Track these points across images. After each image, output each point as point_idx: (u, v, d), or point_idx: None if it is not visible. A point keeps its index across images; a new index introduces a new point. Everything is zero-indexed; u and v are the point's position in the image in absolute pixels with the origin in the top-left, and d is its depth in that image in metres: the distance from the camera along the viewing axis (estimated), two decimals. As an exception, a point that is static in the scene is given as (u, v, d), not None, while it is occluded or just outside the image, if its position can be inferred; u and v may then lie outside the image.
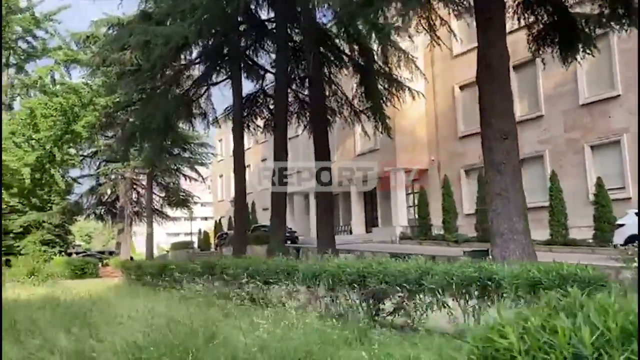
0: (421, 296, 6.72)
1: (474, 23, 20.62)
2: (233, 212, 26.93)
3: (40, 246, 27.19)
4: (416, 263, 6.93)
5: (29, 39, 19.63)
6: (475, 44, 24.65)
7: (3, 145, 18.00)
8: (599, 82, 20.41)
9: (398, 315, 7.29)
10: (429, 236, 24.99)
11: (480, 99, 11.20)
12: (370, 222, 31.70)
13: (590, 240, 18.73)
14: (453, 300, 6.33)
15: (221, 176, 51.98)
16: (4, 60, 18.74)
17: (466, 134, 26.12)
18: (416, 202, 27.90)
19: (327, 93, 21.50)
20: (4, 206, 19.82)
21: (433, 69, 27.39)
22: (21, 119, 18.00)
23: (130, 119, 22.52)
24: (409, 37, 19.58)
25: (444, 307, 6.43)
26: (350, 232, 30.52)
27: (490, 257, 10.78)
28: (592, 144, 20.68)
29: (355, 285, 7.61)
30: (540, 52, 13.95)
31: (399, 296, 7.07)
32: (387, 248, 21.46)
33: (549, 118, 22.11)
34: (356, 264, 7.82)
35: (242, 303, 9.55)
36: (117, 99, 20.16)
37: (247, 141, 31.18)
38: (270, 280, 9.69)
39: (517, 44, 16.42)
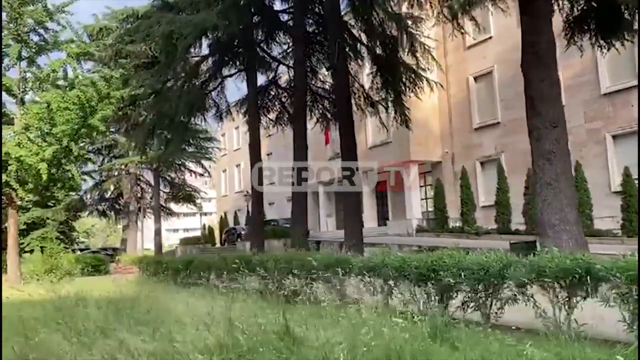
0: (502, 289, 6.43)
1: (493, 11, 20.60)
2: (246, 206, 26.53)
3: (57, 243, 26.65)
4: (496, 255, 6.62)
5: (41, 31, 19.07)
6: (489, 35, 24.83)
7: (17, 140, 17.50)
8: (621, 71, 20.16)
9: (470, 309, 7.00)
10: (446, 228, 24.75)
11: (527, 87, 10.86)
12: (381, 216, 31.40)
13: (617, 231, 18.57)
14: (543, 295, 6.01)
15: (224, 171, 51.53)
16: (16, 53, 18.21)
17: (481, 125, 25.89)
18: (429, 195, 27.65)
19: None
20: (18, 203, 19.31)
21: (446, 59, 27.04)
22: (36, 113, 17.49)
23: (143, 112, 22.02)
24: (431, 27, 19.32)
25: (529, 300, 6.13)
26: (362, 226, 30.14)
27: (539, 248, 10.49)
28: (614, 134, 20.46)
29: (424, 280, 7.30)
30: (575, 40, 13.63)
31: (474, 290, 6.78)
32: (409, 241, 21.21)
33: (568, 108, 21.62)
34: (424, 257, 7.49)
35: (289, 299, 9.24)
36: (133, 92, 19.69)
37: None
38: (319, 276, 9.34)
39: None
